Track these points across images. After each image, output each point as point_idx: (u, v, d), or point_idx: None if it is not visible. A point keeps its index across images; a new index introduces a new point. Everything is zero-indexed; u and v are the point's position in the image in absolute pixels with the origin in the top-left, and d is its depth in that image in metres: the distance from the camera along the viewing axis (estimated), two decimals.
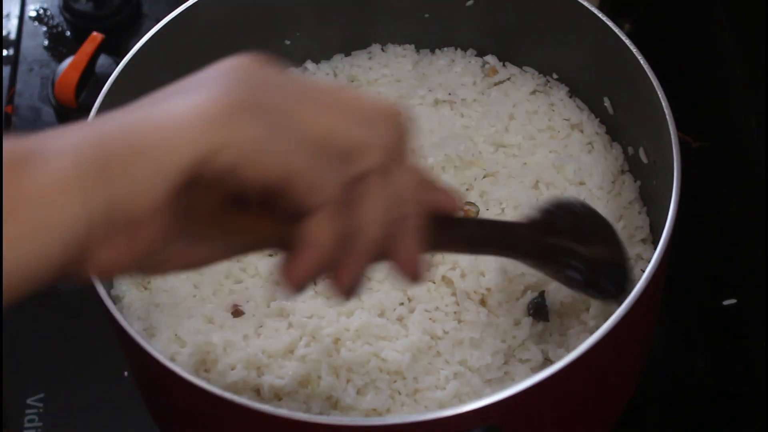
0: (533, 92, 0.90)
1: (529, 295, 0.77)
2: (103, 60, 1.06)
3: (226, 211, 0.51)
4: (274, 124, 0.48)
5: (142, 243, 0.47)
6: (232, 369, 0.75)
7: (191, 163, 0.46)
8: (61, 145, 0.45)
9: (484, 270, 0.78)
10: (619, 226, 0.81)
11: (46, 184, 0.44)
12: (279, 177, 0.48)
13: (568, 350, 0.73)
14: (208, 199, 0.50)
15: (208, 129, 0.46)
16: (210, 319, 0.78)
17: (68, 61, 1.06)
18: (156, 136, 0.46)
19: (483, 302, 0.78)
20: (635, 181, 0.84)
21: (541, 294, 0.77)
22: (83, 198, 0.44)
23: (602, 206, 0.82)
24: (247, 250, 0.57)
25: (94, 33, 1.07)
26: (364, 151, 0.51)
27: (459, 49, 0.93)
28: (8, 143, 0.45)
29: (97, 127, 0.47)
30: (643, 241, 0.81)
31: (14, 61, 1.12)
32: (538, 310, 0.77)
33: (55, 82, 1.05)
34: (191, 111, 0.46)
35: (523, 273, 0.77)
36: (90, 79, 1.05)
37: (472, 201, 0.82)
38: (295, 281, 0.52)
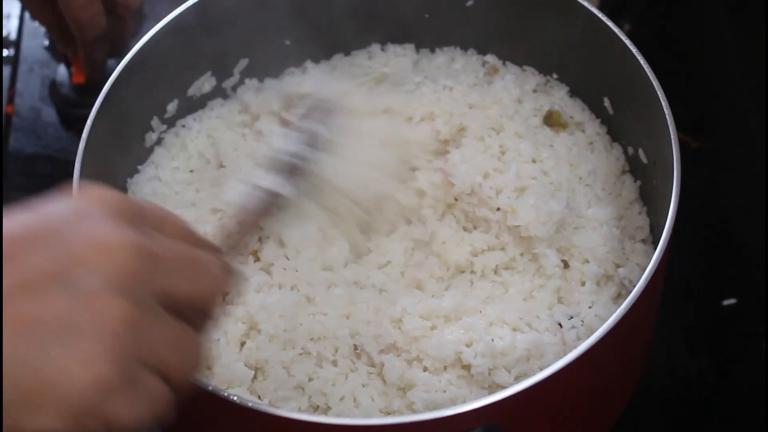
0: (534, 91, 0.90)
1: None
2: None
3: None
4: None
5: None
6: (236, 361, 0.74)
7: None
8: None
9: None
10: (619, 226, 0.81)
11: None
12: None
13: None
14: None
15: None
16: None
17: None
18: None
19: None
20: (635, 181, 0.84)
21: None
22: None
23: (603, 206, 0.82)
24: None
25: None
26: None
27: (459, 48, 0.93)
28: None
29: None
30: (643, 241, 0.81)
31: (15, 61, 1.12)
32: None
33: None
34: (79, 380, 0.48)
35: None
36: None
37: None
38: None
